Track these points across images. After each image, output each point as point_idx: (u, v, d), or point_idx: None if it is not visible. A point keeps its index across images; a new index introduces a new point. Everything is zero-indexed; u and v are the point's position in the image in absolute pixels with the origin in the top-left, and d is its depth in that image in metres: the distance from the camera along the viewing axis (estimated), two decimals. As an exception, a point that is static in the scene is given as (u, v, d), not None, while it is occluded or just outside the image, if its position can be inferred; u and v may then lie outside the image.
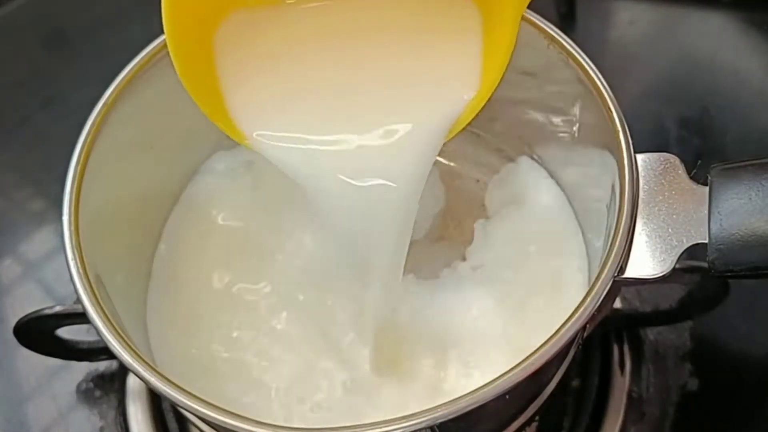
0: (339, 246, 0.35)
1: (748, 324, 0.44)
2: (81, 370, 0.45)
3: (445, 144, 0.33)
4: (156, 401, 0.43)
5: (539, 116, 0.40)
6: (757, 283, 0.44)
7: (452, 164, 0.45)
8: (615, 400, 0.42)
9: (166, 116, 0.39)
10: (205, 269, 0.40)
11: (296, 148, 0.33)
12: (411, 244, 0.34)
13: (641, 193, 0.32)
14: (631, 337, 0.44)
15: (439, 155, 0.33)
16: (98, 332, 0.30)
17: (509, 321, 0.37)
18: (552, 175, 0.41)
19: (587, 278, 0.38)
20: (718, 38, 0.55)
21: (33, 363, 0.45)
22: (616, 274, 0.30)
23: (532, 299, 0.37)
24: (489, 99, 0.33)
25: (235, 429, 0.28)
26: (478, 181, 0.44)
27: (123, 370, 0.44)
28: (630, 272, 0.31)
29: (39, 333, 0.40)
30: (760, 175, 0.31)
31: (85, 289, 0.31)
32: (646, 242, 0.31)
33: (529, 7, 0.36)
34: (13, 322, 0.39)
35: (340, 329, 0.38)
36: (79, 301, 0.31)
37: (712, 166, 0.32)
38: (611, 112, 0.33)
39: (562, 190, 0.40)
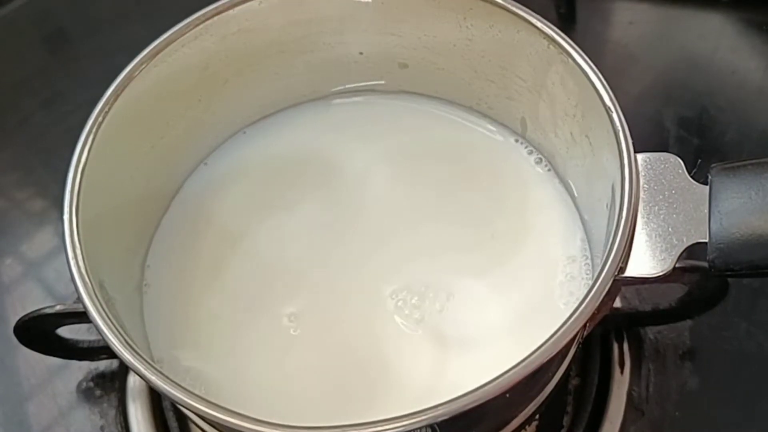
0: None
1: (748, 323, 0.44)
2: (81, 369, 0.45)
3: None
4: (156, 400, 0.43)
5: (539, 116, 0.40)
6: (756, 282, 0.45)
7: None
8: (615, 398, 0.42)
9: (166, 116, 0.39)
10: (201, 268, 0.40)
11: None
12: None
13: (641, 193, 0.32)
14: (631, 336, 0.44)
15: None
16: (99, 331, 0.30)
17: (509, 320, 0.37)
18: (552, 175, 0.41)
19: (588, 277, 0.38)
20: (718, 38, 0.55)
21: (33, 362, 0.45)
22: (616, 274, 0.30)
23: (532, 298, 0.37)
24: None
25: (235, 427, 0.28)
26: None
27: (123, 369, 0.44)
28: (630, 271, 0.31)
29: (39, 332, 0.40)
30: (759, 175, 0.31)
31: (85, 288, 0.31)
32: (647, 241, 0.31)
33: (529, 6, 0.36)
34: (13, 321, 0.40)
35: (339, 328, 0.38)
36: (79, 300, 0.31)
37: (712, 165, 0.32)
38: (611, 111, 0.33)
39: (563, 189, 0.41)
